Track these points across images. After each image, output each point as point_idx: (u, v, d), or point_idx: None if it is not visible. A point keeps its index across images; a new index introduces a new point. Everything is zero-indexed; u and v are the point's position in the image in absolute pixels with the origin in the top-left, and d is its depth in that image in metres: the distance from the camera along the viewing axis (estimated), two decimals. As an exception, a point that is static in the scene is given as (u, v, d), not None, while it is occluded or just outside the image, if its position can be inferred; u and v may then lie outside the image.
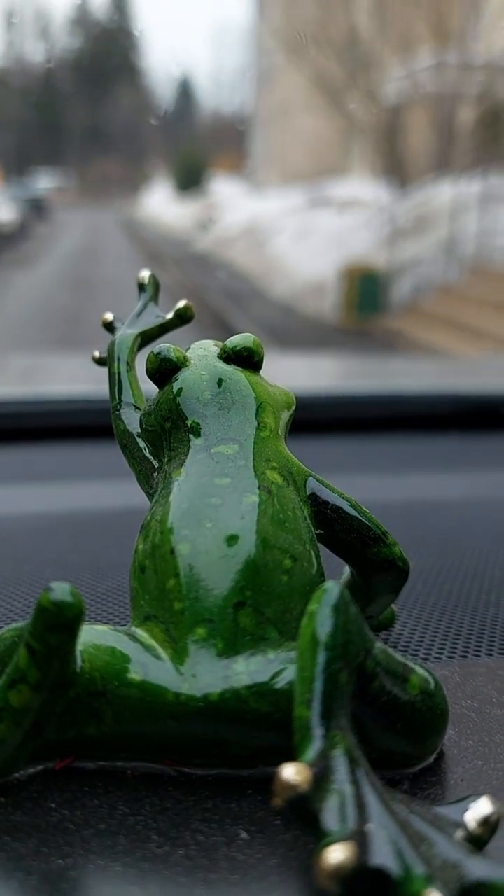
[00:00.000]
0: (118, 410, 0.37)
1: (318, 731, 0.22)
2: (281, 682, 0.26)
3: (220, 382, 0.33)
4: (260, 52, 17.29)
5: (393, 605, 0.39)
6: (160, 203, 18.08)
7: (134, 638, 0.28)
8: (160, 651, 0.27)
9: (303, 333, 5.52)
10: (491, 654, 0.37)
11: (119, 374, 0.38)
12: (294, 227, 8.15)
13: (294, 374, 0.96)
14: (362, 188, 9.21)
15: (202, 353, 0.34)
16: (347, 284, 6.26)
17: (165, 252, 10.12)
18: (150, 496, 0.33)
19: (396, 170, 8.36)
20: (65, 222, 17.22)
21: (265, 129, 16.81)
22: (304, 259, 7.20)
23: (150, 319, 0.40)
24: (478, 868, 0.20)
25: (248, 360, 0.34)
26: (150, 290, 0.41)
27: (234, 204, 11.94)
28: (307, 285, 6.86)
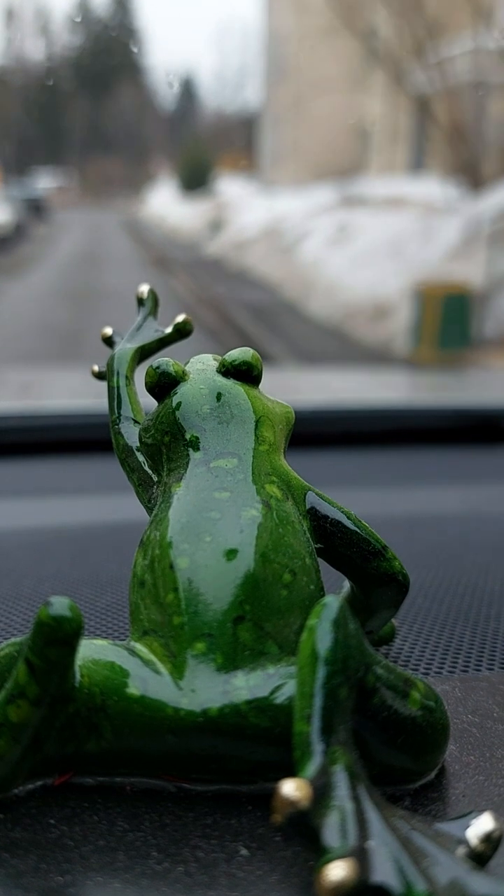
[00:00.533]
0: (117, 424, 0.37)
1: (318, 747, 0.22)
2: (281, 698, 0.26)
3: (218, 396, 0.33)
4: (271, 41, 16.25)
5: (393, 620, 0.39)
6: (165, 203, 17.38)
7: (133, 652, 0.27)
8: (159, 666, 0.27)
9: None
10: (492, 669, 0.37)
11: (118, 388, 0.38)
12: (326, 229, 7.19)
13: (296, 388, 0.96)
14: (412, 186, 8.29)
15: (201, 367, 0.34)
16: (425, 307, 4.56)
17: (174, 256, 9.45)
18: (150, 510, 0.33)
19: (469, 165, 6.99)
20: (65, 223, 16.53)
21: (275, 125, 16.20)
22: (348, 269, 5.97)
23: (150, 334, 0.40)
24: (480, 885, 0.20)
25: (246, 374, 0.34)
26: (150, 305, 0.41)
27: (245, 203, 11.32)
28: (360, 304, 5.40)
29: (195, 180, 16.21)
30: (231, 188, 13.43)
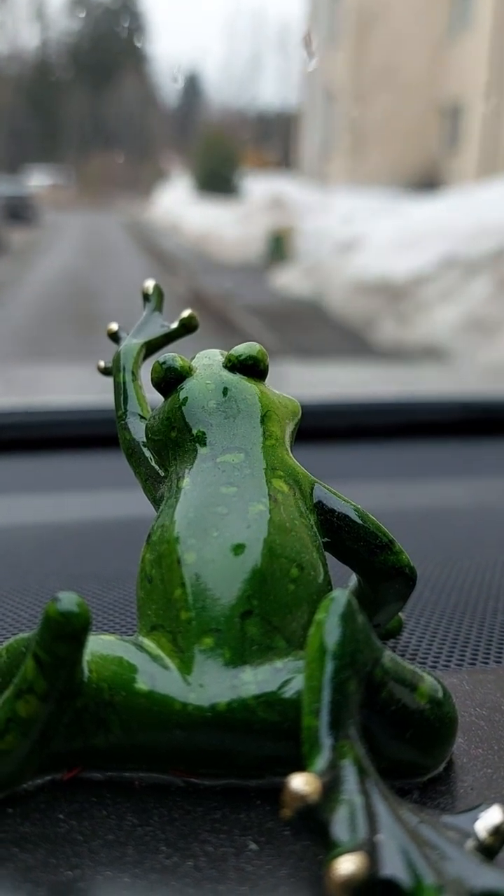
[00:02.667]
0: (124, 420, 0.37)
1: (326, 741, 0.22)
2: (289, 692, 0.26)
3: (225, 391, 0.33)
4: (320, 12, 13.07)
5: (400, 613, 0.39)
6: (178, 204, 14.29)
7: (141, 648, 0.27)
8: (167, 661, 0.27)
9: None
10: (500, 662, 0.37)
11: (124, 383, 0.38)
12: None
13: (304, 382, 0.96)
14: None
15: (207, 362, 0.34)
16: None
17: (222, 289, 5.63)
18: (156, 505, 0.33)
19: None
20: (57, 226, 13.59)
21: (326, 109, 13.20)
22: None
23: (155, 329, 0.40)
24: (489, 878, 0.20)
25: (253, 368, 0.34)
26: (155, 300, 0.41)
27: (319, 206, 8.32)
28: None
29: (216, 179, 13.46)
30: (273, 187, 9.89)
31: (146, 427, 0.35)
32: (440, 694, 0.27)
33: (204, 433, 0.32)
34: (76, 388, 0.92)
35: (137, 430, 0.36)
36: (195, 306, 0.43)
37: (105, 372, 0.40)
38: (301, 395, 0.38)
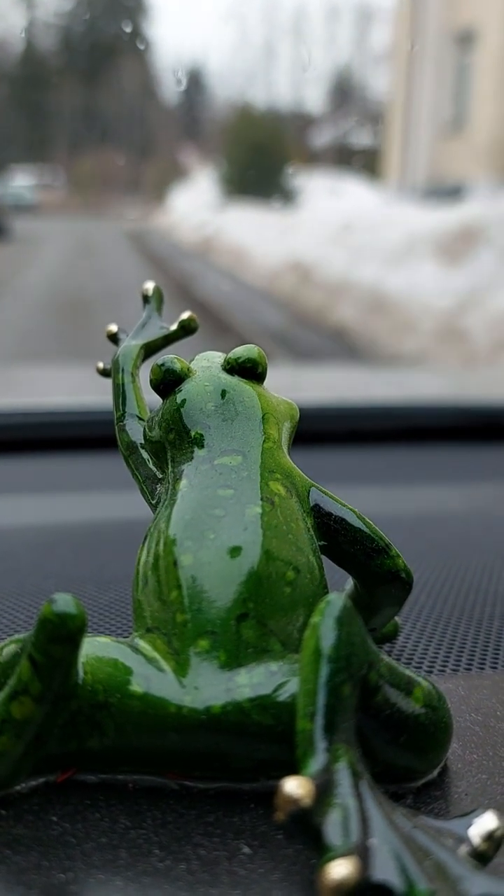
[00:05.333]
0: (122, 421, 0.37)
1: (320, 745, 0.22)
2: (284, 695, 0.26)
3: (223, 393, 0.33)
4: None
5: (396, 618, 0.39)
6: (201, 209, 10.20)
7: (136, 650, 0.27)
8: (163, 663, 0.27)
9: None
10: (495, 667, 0.37)
11: (123, 385, 0.38)
12: None
13: (300, 385, 0.96)
14: None
15: (206, 364, 0.34)
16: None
17: None
18: (153, 507, 0.33)
19: None
20: (36, 240, 9.41)
21: (422, 93, 9.62)
22: None
23: (155, 331, 0.40)
24: (482, 884, 0.20)
25: (251, 371, 0.34)
26: (155, 302, 0.41)
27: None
28: None
29: (257, 176, 10.16)
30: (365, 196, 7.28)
31: (144, 429, 0.35)
32: (435, 698, 0.27)
33: (202, 435, 0.32)
34: (74, 388, 0.92)
35: (135, 431, 0.36)
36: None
37: (104, 373, 0.40)
38: (299, 398, 0.38)
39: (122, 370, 0.38)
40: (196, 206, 10.92)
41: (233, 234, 7.78)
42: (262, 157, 10.05)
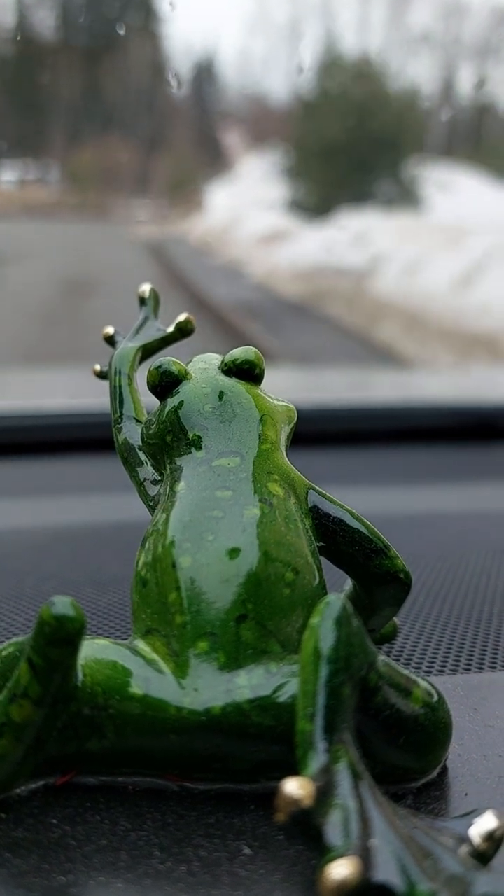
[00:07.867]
0: (119, 424, 0.37)
1: (320, 745, 0.22)
2: (283, 696, 0.26)
3: (221, 395, 0.33)
4: None
5: (395, 618, 0.39)
6: (258, 211, 7.40)
7: (135, 652, 0.27)
8: (162, 665, 0.27)
9: None
10: (494, 668, 0.37)
11: (120, 387, 0.38)
12: None
13: (296, 386, 0.96)
14: None
15: (203, 365, 0.34)
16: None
17: None
18: (152, 509, 0.33)
19: None
20: (11, 256, 6.39)
21: None
22: None
23: (151, 333, 0.40)
24: (483, 883, 0.20)
25: (249, 372, 0.34)
26: (151, 304, 0.41)
27: None
28: None
29: (364, 175, 7.17)
30: None
31: (142, 431, 0.35)
32: (435, 699, 0.27)
33: (199, 437, 0.32)
34: (71, 391, 0.92)
35: (133, 433, 0.36)
36: None
37: (101, 376, 0.40)
38: (297, 399, 0.38)
39: (119, 372, 0.38)
40: (245, 204, 7.60)
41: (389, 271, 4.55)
42: (365, 144, 6.83)
